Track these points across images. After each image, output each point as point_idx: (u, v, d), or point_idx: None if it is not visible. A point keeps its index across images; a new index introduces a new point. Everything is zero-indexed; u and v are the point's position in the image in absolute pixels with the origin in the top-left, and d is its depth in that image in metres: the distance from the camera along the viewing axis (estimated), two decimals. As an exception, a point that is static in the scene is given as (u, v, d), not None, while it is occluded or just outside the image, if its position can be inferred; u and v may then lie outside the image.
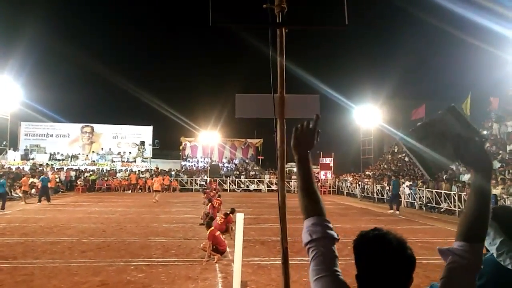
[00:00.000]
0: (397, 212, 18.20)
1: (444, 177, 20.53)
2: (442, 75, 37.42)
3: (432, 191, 19.86)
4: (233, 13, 2.90)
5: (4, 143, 35.48)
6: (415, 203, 21.22)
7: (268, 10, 2.82)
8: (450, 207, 18.43)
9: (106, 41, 59.67)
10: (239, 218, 5.89)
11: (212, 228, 8.57)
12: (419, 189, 21.16)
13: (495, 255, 1.82)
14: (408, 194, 22.08)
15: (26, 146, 38.27)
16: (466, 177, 19.45)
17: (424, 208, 20.19)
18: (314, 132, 1.67)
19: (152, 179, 31.56)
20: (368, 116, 35.69)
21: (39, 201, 20.15)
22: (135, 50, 64.82)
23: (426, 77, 38.42)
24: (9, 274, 7.01)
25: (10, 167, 30.43)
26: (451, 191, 18.72)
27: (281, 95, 2.79)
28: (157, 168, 35.44)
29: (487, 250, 1.95)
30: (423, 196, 20.69)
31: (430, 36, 34.82)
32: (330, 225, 1.48)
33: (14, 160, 33.92)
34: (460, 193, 17.73)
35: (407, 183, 22.48)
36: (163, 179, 30.96)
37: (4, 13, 38.77)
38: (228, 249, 8.55)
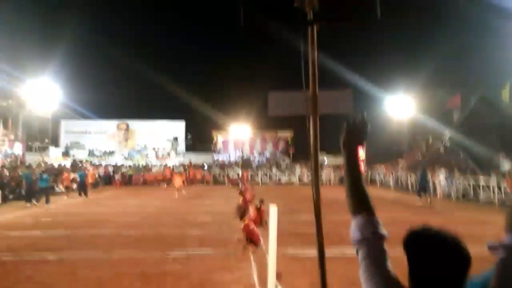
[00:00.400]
0: (429, 202, 17.76)
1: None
2: (478, 63, 35.73)
3: (470, 182, 19.25)
4: (264, 12, 2.95)
5: (46, 141, 37.23)
6: (452, 194, 20.62)
7: (300, 7, 2.84)
8: (489, 198, 17.81)
9: (138, 38, 60.89)
10: (273, 210, 5.97)
11: (246, 221, 8.71)
12: (456, 180, 20.53)
13: None
14: (445, 185, 21.46)
15: (67, 143, 39.99)
16: (506, 167, 18.72)
17: (461, 199, 19.61)
18: (365, 126, 1.64)
19: (186, 173, 32.32)
20: (401, 106, 34.81)
21: (80, 195, 21.04)
22: (167, 46, 65.76)
23: (461, 65, 36.80)
24: (55, 266, 7.43)
25: (52, 163, 31.91)
26: (489, 181, 18.08)
27: (314, 92, 2.82)
28: (191, 163, 36.13)
29: None
30: (460, 187, 20.07)
31: (466, 23, 33.28)
32: (380, 222, 1.46)
33: (55, 157, 35.55)
34: (497, 183, 17.10)
35: (443, 174, 21.85)
36: (193, 173, 31.58)
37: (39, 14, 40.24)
38: (262, 241, 8.68)
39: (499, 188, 17.05)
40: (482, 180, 18.57)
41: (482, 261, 1.36)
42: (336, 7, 3.10)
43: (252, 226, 8.75)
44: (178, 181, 22.69)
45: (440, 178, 21.78)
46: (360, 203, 1.51)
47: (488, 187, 17.99)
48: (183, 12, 65.03)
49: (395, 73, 39.91)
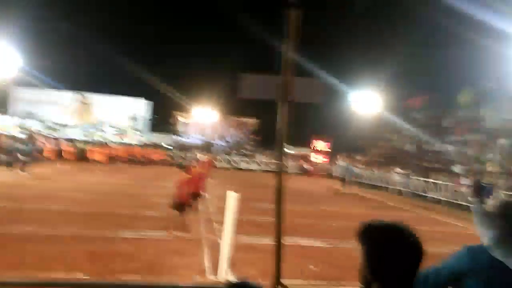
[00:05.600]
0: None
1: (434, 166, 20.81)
2: (442, 68, 37.08)
3: (420, 180, 20.08)
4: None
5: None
6: (402, 191, 21.44)
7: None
8: (438, 196, 18.68)
9: (103, 10, 58.29)
10: (232, 197, 5.88)
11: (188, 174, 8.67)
12: (409, 178, 21.36)
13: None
14: (399, 182, 22.27)
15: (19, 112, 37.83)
16: (457, 169, 19.67)
17: (412, 197, 20.47)
18: None
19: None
20: (366, 101, 35.60)
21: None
22: (132, 22, 63.39)
23: (426, 68, 38.10)
24: (-5, 239, 6.97)
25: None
26: (438, 180, 18.95)
27: (287, 78, 2.70)
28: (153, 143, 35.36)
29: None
30: (413, 186, 20.92)
31: (432, 29, 34.36)
32: None
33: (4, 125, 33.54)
34: (447, 183, 17.95)
35: (398, 170, 22.67)
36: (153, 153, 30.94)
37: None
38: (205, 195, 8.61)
39: (447, 187, 17.90)
40: (432, 179, 19.42)
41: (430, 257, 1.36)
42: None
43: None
44: (98, 156, 22.71)
45: (394, 176, 22.62)
46: None
47: (437, 185, 18.83)
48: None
49: (361, 69, 40.59)
